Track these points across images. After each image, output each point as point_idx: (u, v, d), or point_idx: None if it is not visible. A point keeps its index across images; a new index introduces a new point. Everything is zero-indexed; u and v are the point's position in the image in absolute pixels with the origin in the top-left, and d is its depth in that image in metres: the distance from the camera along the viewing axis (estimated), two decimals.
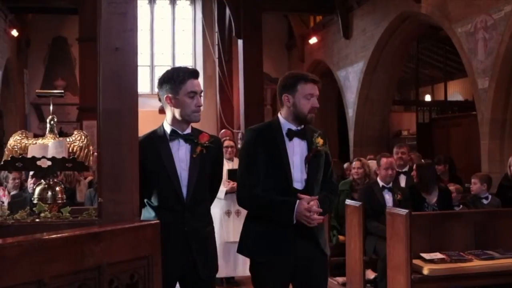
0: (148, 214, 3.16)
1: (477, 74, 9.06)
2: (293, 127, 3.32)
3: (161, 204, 3.14)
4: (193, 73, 3.18)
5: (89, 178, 8.43)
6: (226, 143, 6.73)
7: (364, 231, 5.91)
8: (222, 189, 6.26)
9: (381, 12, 12.29)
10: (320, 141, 3.33)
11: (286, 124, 3.33)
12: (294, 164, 3.28)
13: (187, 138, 3.19)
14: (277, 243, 3.24)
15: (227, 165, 6.53)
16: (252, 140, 3.33)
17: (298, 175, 3.28)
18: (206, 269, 3.19)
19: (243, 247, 3.38)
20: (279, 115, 3.40)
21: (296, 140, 3.32)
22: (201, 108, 3.20)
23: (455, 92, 16.82)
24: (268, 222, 3.24)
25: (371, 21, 12.70)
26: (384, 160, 6.13)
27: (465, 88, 15.76)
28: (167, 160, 3.13)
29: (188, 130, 3.23)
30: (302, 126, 3.35)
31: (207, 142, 3.21)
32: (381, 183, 6.12)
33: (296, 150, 3.30)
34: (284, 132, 3.31)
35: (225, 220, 6.70)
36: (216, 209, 6.28)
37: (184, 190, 3.14)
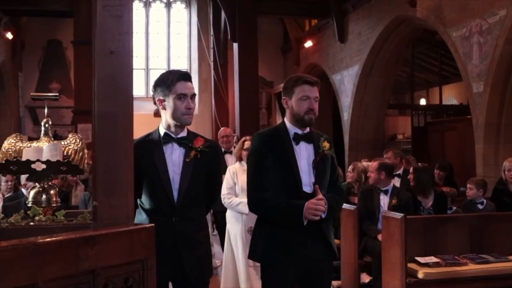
0: (140, 216, 3.15)
1: (472, 78, 9.08)
2: (299, 131, 3.34)
3: (152, 207, 3.13)
4: (184, 76, 3.17)
5: None
6: (247, 144, 5.55)
7: (359, 234, 5.91)
8: (245, 201, 5.33)
9: (376, 16, 12.31)
10: (326, 145, 3.37)
11: (292, 128, 3.35)
12: (302, 168, 3.29)
13: (181, 142, 3.18)
14: (288, 246, 3.23)
15: None
16: (260, 145, 3.34)
17: (306, 179, 3.29)
18: (195, 273, 3.16)
19: (254, 251, 3.37)
20: (285, 119, 3.43)
21: (302, 144, 3.34)
22: (192, 110, 3.17)
23: (450, 96, 16.86)
24: (278, 225, 3.25)
25: (366, 25, 12.72)
26: (370, 165, 6.30)
27: (460, 92, 15.81)
28: (159, 164, 3.11)
29: (183, 134, 3.21)
30: (308, 129, 3.38)
31: (201, 147, 3.19)
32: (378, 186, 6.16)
33: (303, 154, 3.32)
34: (291, 136, 3.32)
35: (248, 239, 5.20)
36: (237, 226, 5.57)
37: (175, 194, 3.12)
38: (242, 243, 5.48)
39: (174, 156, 3.16)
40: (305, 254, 3.25)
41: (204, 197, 3.32)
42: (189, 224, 3.16)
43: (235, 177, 5.54)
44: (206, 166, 3.24)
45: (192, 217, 3.19)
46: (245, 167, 4.72)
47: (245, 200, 4.81)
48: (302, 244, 3.24)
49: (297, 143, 3.32)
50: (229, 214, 5.72)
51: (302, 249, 3.24)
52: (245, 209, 4.96)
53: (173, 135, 3.18)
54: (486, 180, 6.74)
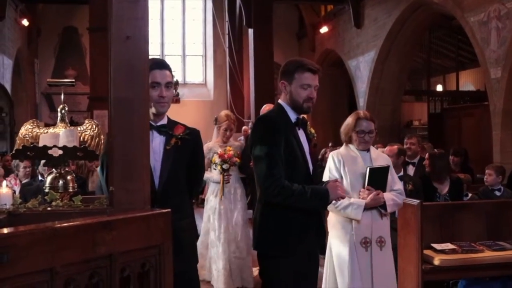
0: None
1: (489, 64, 8.98)
2: (296, 116, 3.25)
3: None
4: (158, 64, 3.17)
5: None
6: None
7: None
8: (357, 202, 3.97)
9: (392, 1, 12.20)
10: (313, 131, 3.29)
11: (291, 113, 3.23)
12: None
13: (160, 130, 3.18)
14: (302, 234, 3.17)
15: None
16: (273, 129, 3.13)
17: (309, 165, 3.26)
18: (178, 260, 3.05)
19: (262, 242, 3.22)
20: (282, 103, 3.27)
21: (300, 130, 3.27)
22: (166, 99, 3.15)
23: (467, 82, 16.70)
24: (290, 213, 3.13)
25: (383, 10, 12.61)
26: (387, 149, 6.18)
27: (477, 78, 15.66)
28: None
29: (163, 122, 3.21)
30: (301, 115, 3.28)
31: (181, 134, 3.19)
32: None
33: (303, 139, 3.26)
34: (293, 122, 3.23)
35: (361, 254, 4.02)
36: (344, 236, 4.06)
37: (157, 182, 3.12)
38: (351, 260, 4.00)
39: (154, 144, 3.14)
40: (312, 242, 3.22)
41: (186, 185, 3.30)
42: (173, 211, 3.14)
43: (341, 167, 4.05)
44: (187, 154, 3.23)
45: (175, 204, 3.12)
46: (357, 152, 4.06)
47: (356, 200, 3.97)
48: (312, 232, 3.20)
49: (299, 129, 3.25)
50: (333, 219, 4.20)
51: (311, 237, 3.21)
52: (357, 213, 3.95)
53: (152, 123, 3.13)
54: (504, 167, 6.69)
